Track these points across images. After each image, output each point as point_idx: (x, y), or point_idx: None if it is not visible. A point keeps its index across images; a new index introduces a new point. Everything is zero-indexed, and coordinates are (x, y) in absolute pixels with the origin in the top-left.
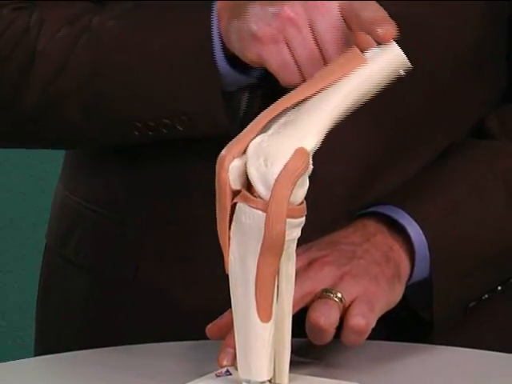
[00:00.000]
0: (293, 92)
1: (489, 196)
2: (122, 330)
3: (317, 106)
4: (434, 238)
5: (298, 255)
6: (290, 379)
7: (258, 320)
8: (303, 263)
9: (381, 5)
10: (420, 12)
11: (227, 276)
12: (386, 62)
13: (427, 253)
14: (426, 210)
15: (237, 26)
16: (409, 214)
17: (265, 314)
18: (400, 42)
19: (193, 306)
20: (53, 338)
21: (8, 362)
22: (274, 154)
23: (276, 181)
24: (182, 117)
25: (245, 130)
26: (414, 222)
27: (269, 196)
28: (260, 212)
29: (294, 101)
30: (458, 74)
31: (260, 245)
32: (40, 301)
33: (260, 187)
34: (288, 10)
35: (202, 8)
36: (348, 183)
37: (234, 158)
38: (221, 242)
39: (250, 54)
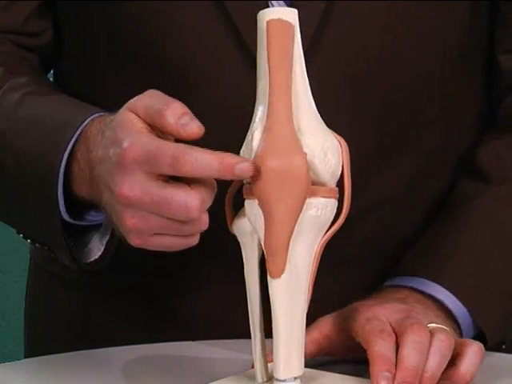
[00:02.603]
0: (276, 87)
1: (509, 241)
2: (115, 341)
3: (300, 94)
4: (473, 304)
5: (378, 329)
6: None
7: (305, 312)
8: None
9: (372, 5)
10: (410, 12)
11: (224, 284)
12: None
13: (470, 319)
14: (458, 278)
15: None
16: (444, 287)
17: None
18: (388, 43)
19: (190, 314)
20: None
21: (8, 362)
22: (330, 146)
23: (344, 168)
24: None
25: (279, 131)
26: (451, 295)
27: (334, 184)
28: (333, 200)
29: (288, 93)
30: (446, 72)
31: (322, 233)
32: (28, 317)
33: (332, 181)
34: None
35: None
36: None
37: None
38: (278, 243)
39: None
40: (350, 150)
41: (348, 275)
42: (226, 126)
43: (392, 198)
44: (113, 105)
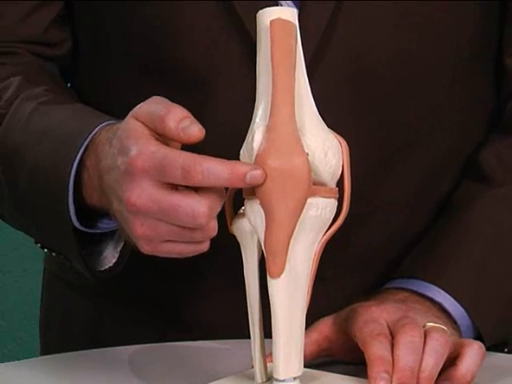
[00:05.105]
0: (279, 87)
1: (509, 244)
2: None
3: (301, 95)
4: (472, 306)
5: (377, 334)
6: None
7: (304, 312)
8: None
9: (381, 5)
10: (420, 12)
11: (231, 288)
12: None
13: (469, 321)
14: (457, 280)
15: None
16: (443, 289)
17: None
18: (399, 43)
19: (198, 319)
20: None
21: (8, 362)
22: (330, 146)
23: (344, 168)
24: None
25: (281, 131)
26: (449, 297)
27: (334, 184)
28: (333, 200)
29: (291, 93)
30: (458, 73)
31: (322, 233)
32: (43, 325)
33: (332, 181)
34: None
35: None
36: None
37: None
38: (278, 243)
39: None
40: (356, 152)
41: (352, 279)
42: (236, 125)
43: (400, 202)
44: (127, 105)
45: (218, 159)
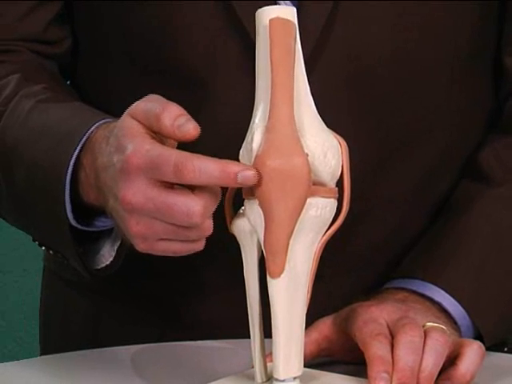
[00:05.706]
0: (278, 86)
1: (508, 243)
2: (124, 344)
3: (300, 94)
4: (472, 306)
5: (377, 333)
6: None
7: (304, 312)
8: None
9: (379, 5)
10: (418, 11)
11: (230, 286)
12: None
13: (469, 321)
14: (456, 280)
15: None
16: (443, 289)
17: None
18: (397, 43)
19: (197, 317)
20: None
21: (8, 362)
22: (330, 146)
23: (343, 168)
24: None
25: (280, 131)
26: (449, 297)
27: (334, 184)
28: (333, 200)
29: (290, 93)
30: (456, 73)
31: (321, 233)
32: (43, 324)
33: (332, 181)
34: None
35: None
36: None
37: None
38: (278, 243)
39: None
40: (354, 151)
41: (351, 278)
42: (235, 125)
43: (398, 200)
44: (126, 104)
45: (211, 158)
